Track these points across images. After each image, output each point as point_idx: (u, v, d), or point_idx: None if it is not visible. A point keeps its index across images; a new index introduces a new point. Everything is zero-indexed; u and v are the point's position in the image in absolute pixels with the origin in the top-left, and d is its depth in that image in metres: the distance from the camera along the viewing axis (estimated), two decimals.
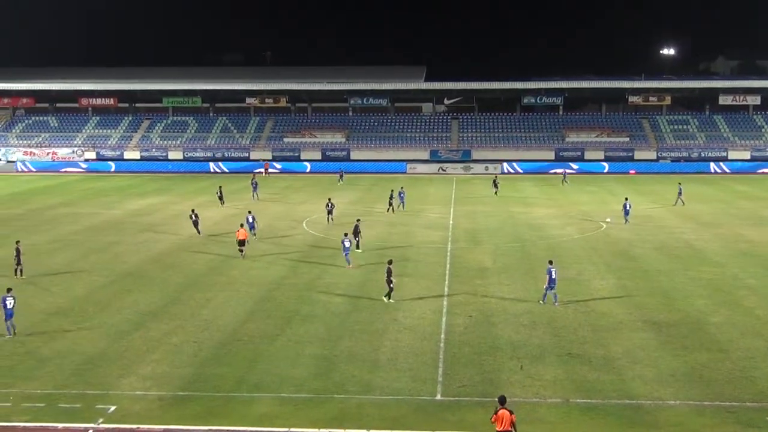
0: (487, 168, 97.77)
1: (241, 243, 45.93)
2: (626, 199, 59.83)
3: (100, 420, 23.23)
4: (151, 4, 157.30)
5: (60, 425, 22.93)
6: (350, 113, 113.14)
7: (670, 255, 46.08)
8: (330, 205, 58.19)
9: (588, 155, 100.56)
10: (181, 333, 31.52)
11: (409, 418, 23.42)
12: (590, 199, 71.11)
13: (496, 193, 74.41)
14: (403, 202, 64.68)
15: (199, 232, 52.20)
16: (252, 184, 73.80)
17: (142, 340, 30.59)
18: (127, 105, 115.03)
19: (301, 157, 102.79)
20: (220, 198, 66.88)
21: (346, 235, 43.69)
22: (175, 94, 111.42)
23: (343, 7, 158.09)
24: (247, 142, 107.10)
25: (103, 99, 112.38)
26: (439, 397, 25.02)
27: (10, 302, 31.31)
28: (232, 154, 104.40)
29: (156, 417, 23.45)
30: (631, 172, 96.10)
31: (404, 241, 51.15)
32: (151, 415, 23.56)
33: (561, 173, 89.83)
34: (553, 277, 35.21)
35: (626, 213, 57.39)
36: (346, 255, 42.80)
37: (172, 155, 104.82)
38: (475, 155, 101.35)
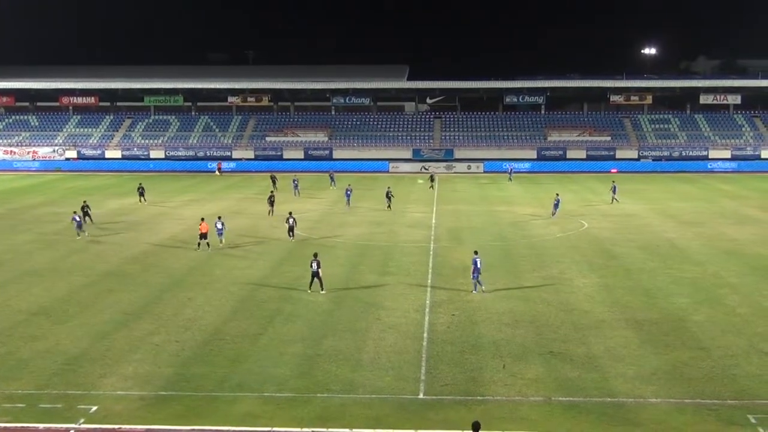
0: (469, 167, 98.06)
1: (203, 236, 47.26)
2: (557, 195, 62.62)
3: (82, 420, 23.11)
4: (133, 3, 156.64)
5: (41, 425, 22.79)
6: (333, 112, 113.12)
7: (652, 253, 46.31)
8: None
9: (570, 154, 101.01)
10: (164, 332, 31.41)
11: (392, 417, 23.44)
12: (574, 198, 71.40)
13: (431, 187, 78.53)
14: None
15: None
16: (293, 182, 75.16)
17: (124, 340, 30.46)
18: (108, 104, 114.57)
19: (284, 156, 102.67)
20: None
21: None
22: (157, 92, 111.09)
23: (326, 7, 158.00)
24: (230, 141, 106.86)
25: (84, 98, 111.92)
26: (422, 395, 25.04)
27: None
28: (214, 153, 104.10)
29: (138, 417, 23.36)
30: (613, 170, 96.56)
31: (387, 239, 51.19)
32: (133, 415, 23.46)
33: (507, 171, 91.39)
34: (478, 266, 37.06)
35: (555, 207, 60.41)
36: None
37: (153, 154, 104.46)
38: (457, 154, 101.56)
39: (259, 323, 32.61)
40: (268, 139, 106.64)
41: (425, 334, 31.03)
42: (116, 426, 22.78)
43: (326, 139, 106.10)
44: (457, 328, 31.95)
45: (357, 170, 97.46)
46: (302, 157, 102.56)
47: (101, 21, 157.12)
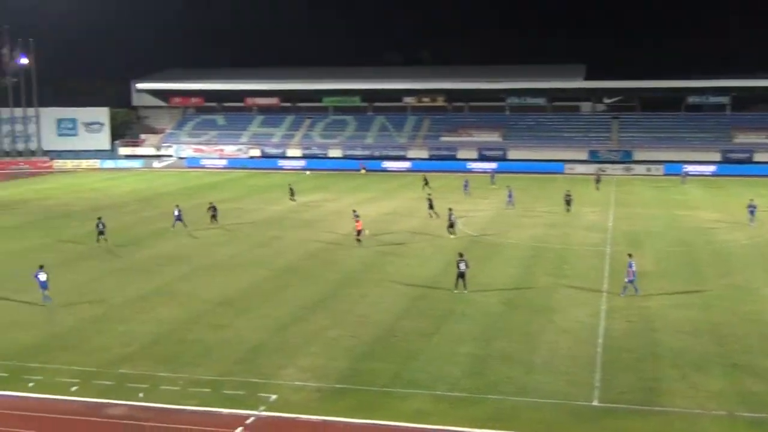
0: (648, 169, 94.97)
1: (359, 233, 49.47)
2: (751, 200, 58.76)
3: (262, 408, 24.03)
4: (311, 8, 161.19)
5: (225, 410, 23.87)
6: (507, 112, 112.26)
7: None
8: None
9: (757, 157, 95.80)
10: (338, 327, 32.18)
11: (565, 423, 23.04)
12: (762, 203, 67.70)
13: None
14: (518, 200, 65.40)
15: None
16: (464, 183, 75.59)
17: (302, 333, 31.43)
18: (289, 104, 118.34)
19: (458, 156, 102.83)
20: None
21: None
22: (335, 93, 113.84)
23: (501, 6, 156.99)
24: (404, 141, 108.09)
25: (267, 98, 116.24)
26: (596, 402, 24.48)
27: (42, 276, 35.30)
28: (390, 153, 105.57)
29: (314, 408, 24.04)
30: None
31: (562, 242, 50.37)
32: (310, 406, 24.16)
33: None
34: (633, 270, 36.32)
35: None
36: None
37: (331, 153, 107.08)
38: (636, 156, 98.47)
39: (431, 322, 32.85)
40: (442, 139, 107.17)
41: (600, 340, 30.32)
42: (294, 415, 23.53)
43: (500, 139, 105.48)
44: (633, 334, 31.04)
45: (531, 171, 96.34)
46: (476, 157, 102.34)
47: (281, 24, 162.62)
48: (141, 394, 24.92)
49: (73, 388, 25.48)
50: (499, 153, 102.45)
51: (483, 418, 23.33)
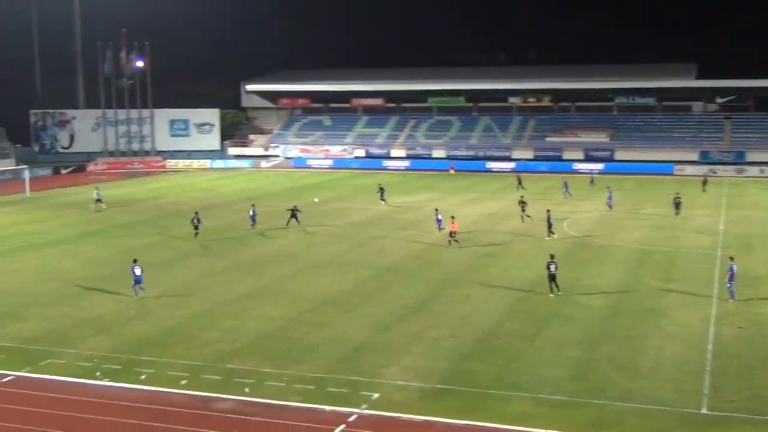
0: (762, 171, 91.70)
1: (452, 234, 48.68)
2: None
3: (365, 406, 24.24)
4: (414, 7, 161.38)
5: (328, 408, 24.16)
6: (615, 112, 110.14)
7: None
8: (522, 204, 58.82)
9: None
10: (441, 327, 32.18)
11: (672, 430, 22.46)
12: None
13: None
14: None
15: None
16: (564, 184, 74.16)
17: (404, 333, 31.56)
18: (394, 105, 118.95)
19: (563, 157, 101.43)
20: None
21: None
22: (440, 94, 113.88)
23: (609, 5, 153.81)
24: (509, 142, 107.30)
25: (372, 99, 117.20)
26: (704, 410, 23.77)
27: (137, 270, 36.68)
28: (494, 154, 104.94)
29: (416, 408, 24.10)
30: None
31: (670, 245, 49.13)
32: (412, 406, 24.23)
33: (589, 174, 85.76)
34: (734, 273, 35.50)
35: None
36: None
37: (435, 153, 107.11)
38: (749, 157, 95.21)
39: (534, 324, 32.53)
40: (547, 139, 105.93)
41: (710, 346, 29.44)
42: (396, 414, 23.65)
43: (607, 139, 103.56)
44: (744, 341, 30.04)
45: (639, 172, 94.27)
46: (582, 157, 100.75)
47: (385, 25, 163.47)
48: (247, 389, 25.47)
49: (183, 382, 26.23)
50: (606, 154, 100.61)
51: (586, 422, 22.97)
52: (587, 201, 69.66)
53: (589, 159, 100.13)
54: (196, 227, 52.29)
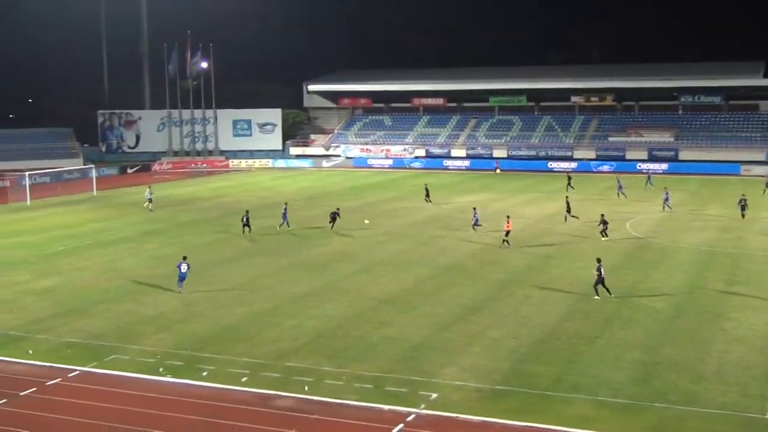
0: None
1: (507, 233, 48.73)
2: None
3: (423, 406, 24.20)
4: (475, 6, 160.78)
5: (386, 407, 24.18)
6: (680, 112, 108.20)
7: None
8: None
9: None
10: (501, 328, 31.99)
11: None
12: None
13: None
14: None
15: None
16: (618, 184, 72.59)
17: (463, 333, 31.44)
18: (455, 105, 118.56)
19: (626, 157, 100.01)
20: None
21: None
22: (501, 93, 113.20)
23: (674, 4, 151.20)
24: (571, 141, 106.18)
25: (433, 99, 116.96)
26: None
27: (183, 267, 37.55)
28: (555, 153, 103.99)
29: (474, 408, 23.99)
30: None
31: (736, 247, 48.12)
32: (470, 406, 24.13)
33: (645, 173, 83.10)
34: None
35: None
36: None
37: (496, 153, 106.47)
38: None
39: (595, 325, 32.14)
40: (610, 139, 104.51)
41: None
42: (454, 415, 23.57)
43: (672, 139, 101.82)
44: None
45: (704, 172, 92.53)
46: (646, 157, 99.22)
47: (445, 25, 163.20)
48: (306, 387, 25.62)
49: (243, 379, 26.51)
50: (670, 153, 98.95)
51: (647, 426, 22.60)
52: (645, 202, 68.17)
53: (652, 159, 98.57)
54: (246, 224, 53.60)
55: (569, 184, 77.25)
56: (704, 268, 42.61)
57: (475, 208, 55.81)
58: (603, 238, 49.95)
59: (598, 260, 36.97)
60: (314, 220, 59.66)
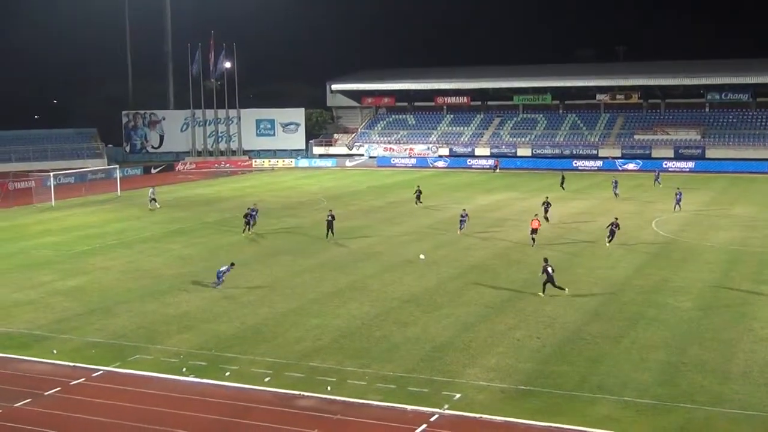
0: None
1: (534, 231, 48.34)
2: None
3: (446, 406, 24.16)
4: (500, 4, 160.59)
5: (409, 407, 24.16)
6: (707, 109, 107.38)
7: None
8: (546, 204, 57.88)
9: None
10: (524, 328, 31.89)
11: None
12: None
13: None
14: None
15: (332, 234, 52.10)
16: (613, 183, 72.35)
17: (487, 333, 31.36)
18: (479, 103, 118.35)
19: (652, 155, 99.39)
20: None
21: None
22: (526, 91, 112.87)
23: (700, 0, 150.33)
24: (596, 140, 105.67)
25: (457, 98, 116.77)
26: None
27: (223, 268, 39.00)
28: (580, 152, 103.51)
29: (498, 408, 23.93)
30: None
31: (763, 245, 47.69)
32: (494, 407, 24.06)
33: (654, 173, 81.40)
34: None
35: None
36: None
37: (520, 152, 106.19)
38: None
39: (620, 326, 31.96)
40: (636, 137, 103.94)
41: None
42: (477, 415, 23.51)
43: (699, 137, 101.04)
44: None
45: (731, 171, 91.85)
46: (672, 156, 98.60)
47: (469, 23, 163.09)
48: (329, 387, 25.65)
49: (266, 379, 26.57)
50: (697, 152, 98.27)
51: (673, 427, 22.44)
52: (654, 203, 67.29)
53: (678, 157, 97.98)
54: (247, 223, 53.91)
55: (562, 184, 76.42)
56: (731, 267, 42.25)
57: (465, 209, 55.40)
58: (607, 244, 48.23)
59: (545, 260, 37.22)
60: (340, 219, 59.73)
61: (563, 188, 75.72)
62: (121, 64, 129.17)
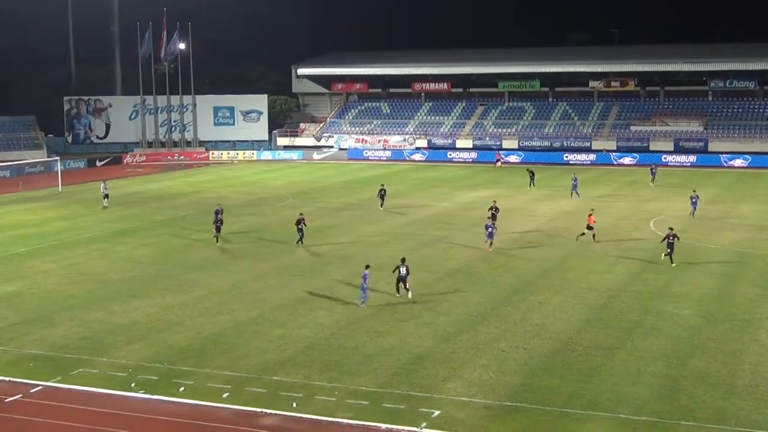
0: None
1: (589, 227, 49.61)
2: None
3: (424, 424, 24.20)
4: None
5: (383, 425, 24.20)
6: (710, 98, 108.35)
7: None
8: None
9: None
10: (511, 338, 32.04)
11: None
12: None
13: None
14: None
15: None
16: (573, 180, 71.42)
17: (469, 343, 31.47)
18: (461, 90, 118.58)
19: (650, 148, 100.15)
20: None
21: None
22: (512, 77, 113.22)
23: None
24: (589, 131, 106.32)
25: (437, 84, 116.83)
26: None
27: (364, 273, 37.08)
28: (572, 144, 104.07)
29: (480, 427, 24.03)
30: None
31: None
32: (476, 425, 24.16)
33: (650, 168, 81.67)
34: None
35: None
36: None
37: (506, 144, 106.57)
38: None
39: (615, 335, 32.20)
40: (632, 128, 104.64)
41: None
42: None
43: (701, 128, 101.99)
44: None
45: (737, 165, 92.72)
46: (671, 148, 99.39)
47: (449, 3, 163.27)
48: (294, 404, 25.63)
49: (225, 395, 26.51)
50: (699, 145, 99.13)
51: None
52: (651, 201, 67.89)
53: (679, 150, 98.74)
54: (218, 228, 51.49)
55: (532, 181, 76.42)
56: (736, 271, 42.68)
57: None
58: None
59: (402, 260, 38.02)
60: (307, 219, 59.68)
61: (534, 185, 75.71)
62: (62, 46, 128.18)
